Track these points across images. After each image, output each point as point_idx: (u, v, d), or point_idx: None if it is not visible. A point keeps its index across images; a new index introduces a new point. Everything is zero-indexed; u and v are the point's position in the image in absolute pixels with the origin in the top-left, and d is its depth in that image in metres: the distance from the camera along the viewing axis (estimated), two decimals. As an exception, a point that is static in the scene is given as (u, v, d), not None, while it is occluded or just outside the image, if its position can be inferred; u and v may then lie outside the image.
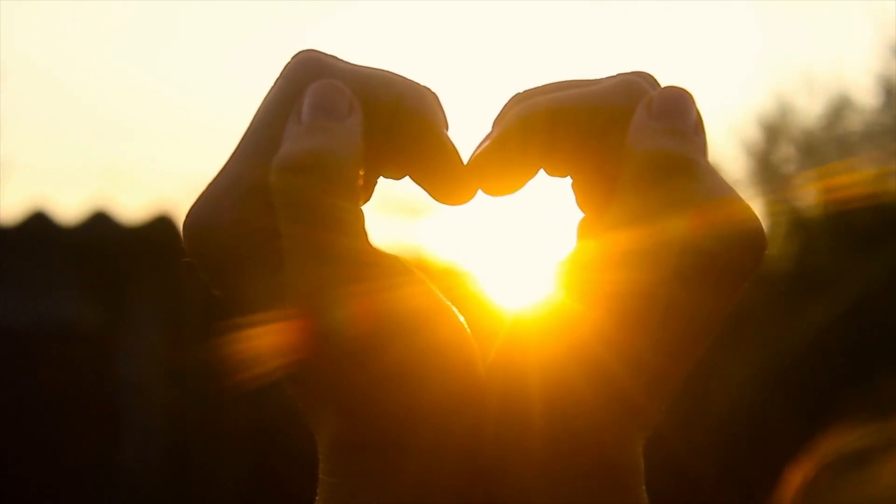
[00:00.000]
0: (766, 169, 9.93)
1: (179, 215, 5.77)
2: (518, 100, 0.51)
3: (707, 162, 0.48)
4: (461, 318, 0.49)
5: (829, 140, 9.75)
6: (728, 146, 10.09)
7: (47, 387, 5.53)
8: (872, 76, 9.92)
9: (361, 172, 0.47)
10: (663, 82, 0.51)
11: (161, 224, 5.72)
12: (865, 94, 9.87)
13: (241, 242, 0.47)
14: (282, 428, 4.99)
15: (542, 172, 0.52)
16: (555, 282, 0.49)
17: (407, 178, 0.52)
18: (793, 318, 4.60)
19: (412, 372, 0.46)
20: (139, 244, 5.57)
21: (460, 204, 0.52)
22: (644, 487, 0.49)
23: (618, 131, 0.49)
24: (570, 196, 0.53)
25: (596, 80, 0.51)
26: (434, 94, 0.50)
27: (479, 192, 0.51)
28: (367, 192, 0.51)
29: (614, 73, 0.51)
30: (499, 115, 0.51)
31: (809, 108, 9.90)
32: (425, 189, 0.51)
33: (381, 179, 0.52)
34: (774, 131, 10.06)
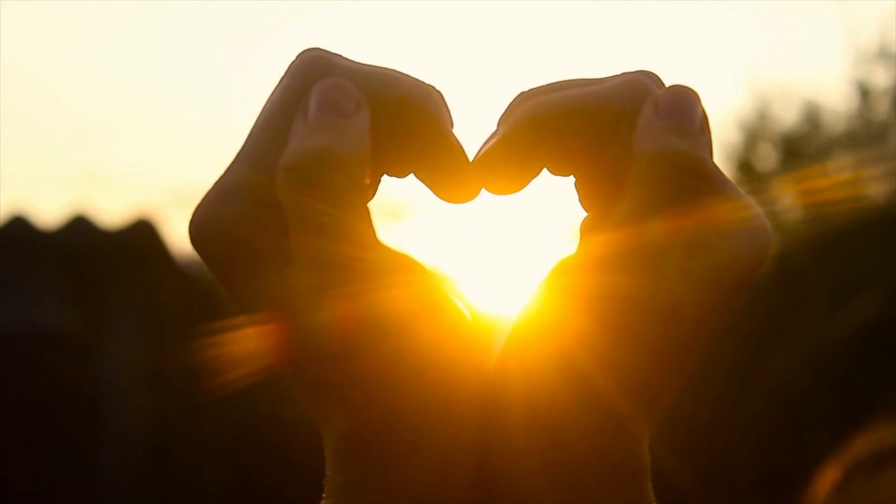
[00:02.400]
0: (745, 172, 9.97)
1: (159, 219, 5.77)
2: (523, 98, 0.51)
3: (713, 161, 0.49)
4: (462, 314, 0.49)
5: (806, 145, 9.80)
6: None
7: (28, 391, 5.51)
8: (848, 81, 9.98)
9: (369, 171, 0.47)
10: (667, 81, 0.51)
11: (141, 228, 5.71)
12: (841, 99, 9.93)
13: (248, 240, 0.47)
14: (262, 430, 4.99)
15: (544, 171, 0.52)
16: (546, 284, 0.49)
17: (408, 178, 0.52)
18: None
19: (398, 372, 0.46)
20: (119, 248, 5.56)
21: (464, 202, 0.52)
22: (649, 486, 0.49)
23: (623, 130, 0.49)
24: (573, 195, 0.53)
25: (600, 78, 0.51)
26: (440, 92, 0.50)
27: (483, 190, 0.51)
28: (372, 189, 0.51)
29: (619, 72, 0.51)
30: (504, 114, 0.51)
31: (786, 113, 9.94)
32: (429, 187, 0.51)
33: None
34: (752, 135, 10.10)
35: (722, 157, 10.10)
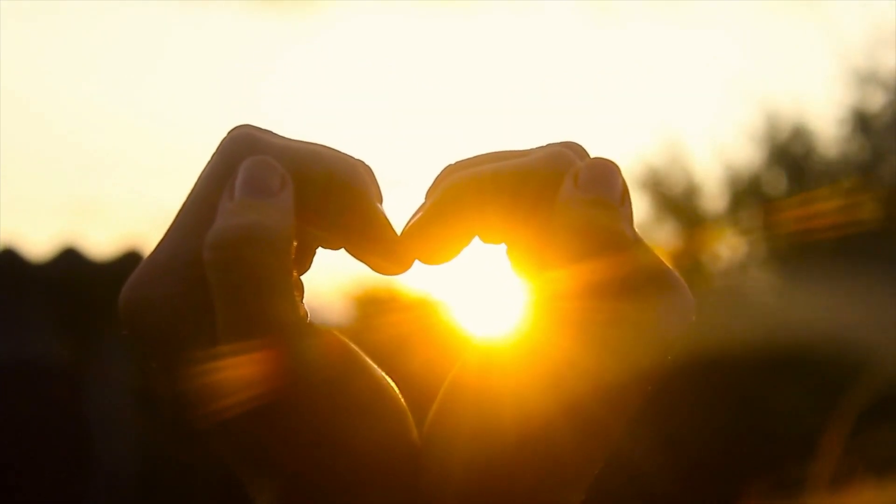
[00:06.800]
0: (742, 195, 9.98)
1: (149, 250, 5.77)
2: (449, 171, 0.52)
3: (634, 232, 0.49)
4: (391, 384, 0.50)
5: (800, 168, 9.81)
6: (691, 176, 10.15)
7: (18, 421, 5.50)
8: (840, 107, 9.99)
9: (295, 243, 0.48)
10: (592, 152, 0.52)
11: (131, 259, 5.71)
12: (833, 124, 9.94)
13: (178, 317, 0.48)
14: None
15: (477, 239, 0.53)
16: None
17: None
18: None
19: (343, 425, 0.48)
20: (109, 280, 5.56)
21: (398, 274, 0.53)
22: None
23: (546, 202, 0.50)
24: (506, 262, 0.54)
25: (526, 150, 0.52)
26: (367, 166, 0.51)
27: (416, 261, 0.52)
28: (306, 262, 0.53)
29: (543, 144, 0.52)
30: (431, 187, 0.52)
31: (779, 136, 9.95)
32: (362, 261, 0.52)
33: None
34: (747, 158, 10.12)
35: (721, 179, 10.13)
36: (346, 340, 0.49)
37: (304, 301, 0.52)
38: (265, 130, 0.50)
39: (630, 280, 0.48)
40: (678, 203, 10.19)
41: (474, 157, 0.52)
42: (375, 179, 0.51)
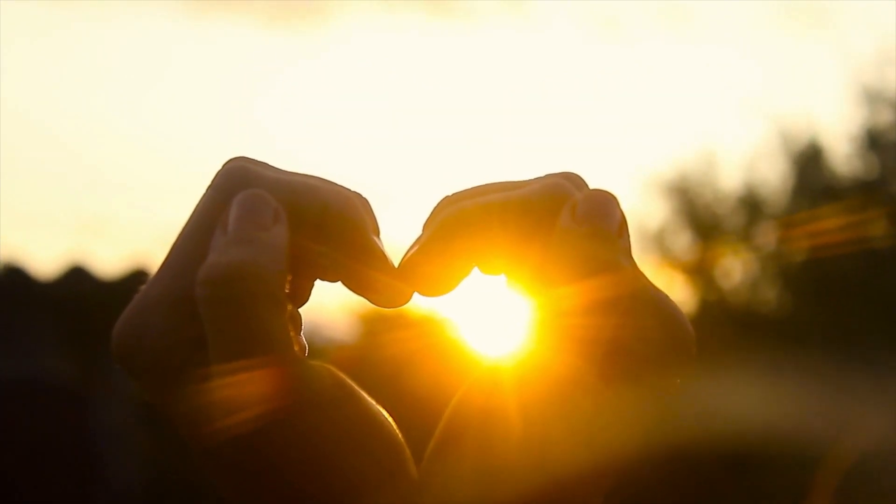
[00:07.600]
0: (750, 213, 9.99)
1: (157, 268, 5.80)
2: (446, 203, 0.51)
3: (632, 263, 0.49)
4: (387, 418, 0.50)
5: (810, 185, 9.81)
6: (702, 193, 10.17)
7: (25, 437, 5.51)
8: (851, 124, 10.01)
9: (290, 277, 0.47)
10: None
11: (138, 278, 5.73)
12: (844, 142, 9.95)
13: (171, 353, 0.48)
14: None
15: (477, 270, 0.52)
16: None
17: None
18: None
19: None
20: (116, 298, 5.57)
21: (398, 306, 0.52)
22: None
23: (544, 233, 0.49)
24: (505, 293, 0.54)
25: (523, 181, 0.51)
26: (363, 198, 0.51)
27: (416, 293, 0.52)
28: (304, 295, 0.52)
29: (541, 175, 0.51)
30: (428, 219, 0.52)
31: (788, 155, 9.96)
32: (359, 294, 0.52)
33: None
34: (755, 176, 10.12)
35: (733, 195, 10.14)
36: (343, 375, 0.49)
37: (301, 333, 0.52)
38: (260, 163, 0.50)
39: (630, 307, 0.48)
40: (688, 218, 10.21)
41: (471, 188, 0.52)
42: (372, 211, 0.51)
